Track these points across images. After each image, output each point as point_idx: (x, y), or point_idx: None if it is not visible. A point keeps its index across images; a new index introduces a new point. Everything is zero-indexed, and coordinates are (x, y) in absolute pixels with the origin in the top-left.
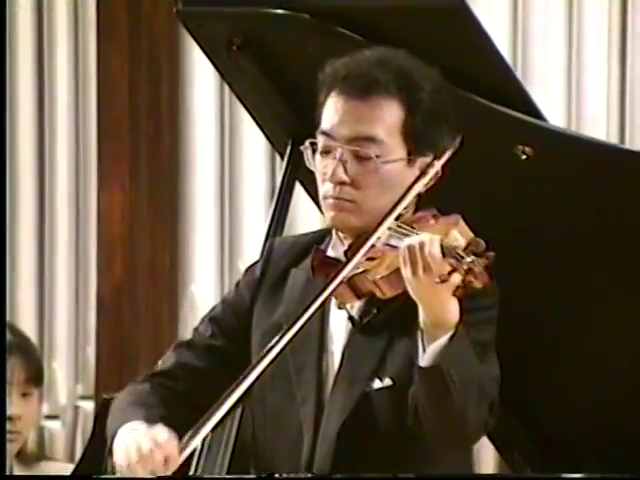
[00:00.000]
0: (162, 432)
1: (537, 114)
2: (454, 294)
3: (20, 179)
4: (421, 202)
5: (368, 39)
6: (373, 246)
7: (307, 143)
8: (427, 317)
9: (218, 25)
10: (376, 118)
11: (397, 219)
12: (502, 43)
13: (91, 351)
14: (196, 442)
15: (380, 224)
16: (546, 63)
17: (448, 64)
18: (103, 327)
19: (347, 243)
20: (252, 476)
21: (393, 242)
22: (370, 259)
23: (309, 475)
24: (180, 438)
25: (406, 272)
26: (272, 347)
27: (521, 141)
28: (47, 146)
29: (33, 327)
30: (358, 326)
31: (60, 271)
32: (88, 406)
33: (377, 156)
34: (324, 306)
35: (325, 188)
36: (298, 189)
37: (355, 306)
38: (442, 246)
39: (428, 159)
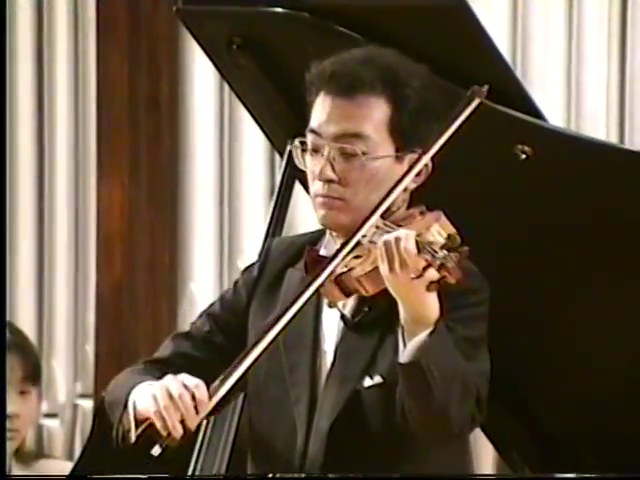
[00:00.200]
0: (190, 378)
1: (537, 113)
2: (427, 289)
3: (20, 176)
4: (417, 200)
5: (367, 38)
6: (360, 244)
7: (296, 142)
8: (406, 313)
9: (218, 24)
10: (362, 115)
11: (387, 216)
12: (502, 42)
13: (90, 349)
14: (225, 389)
15: (365, 222)
16: (545, 61)
17: (447, 63)
18: (102, 325)
19: (339, 242)
20: (251, 476)
21: (377, 239)
22: (357, 257)
23: (304, 475)
24: None
25: (383, 268)
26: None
27: (521, 141)
28: (47, 144)
29: (32, 325)
30: (350, 324)
31: (59, 269)
32: (87, 404)
33: (364, 153)
34: (318, 306)
35: (314, 187)
36: (298, 188)
37: (347, 305)
38: (417, 242)
39: (417, 155)
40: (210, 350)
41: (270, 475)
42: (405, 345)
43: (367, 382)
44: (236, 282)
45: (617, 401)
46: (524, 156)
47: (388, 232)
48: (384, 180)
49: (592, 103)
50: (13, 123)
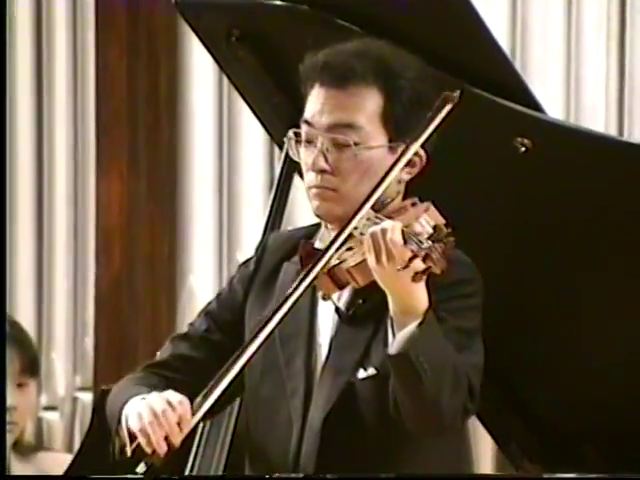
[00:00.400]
0: (174, 394)
1: (536, 106)
2: (413, 280)
3: (19, 170)
4: (416, 192)
5: (367, 30)
6: (352, 236)
7: (290, 133)
8: (395, 305)
9: (217, 16)
10: (355, 105)
11: (381, 208)
12: (501, 35)
13: (90, 342)
14: (207, 405)
15: (355, 214)
16: (545, 55)
17: (447, 55)
18: (101, 318)
19: (333, 234)
20: (250, 476)
21: (366, 231)
22: (349, 249)
23: (302, 475)
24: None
25: (371, 260)
26: (256, 335)
27: (520, 133)
28: (45, 137)
29: (32, 318)
30: (344, 317)
31: (59, 262)
32: (86, 397)
33: (357, 143)
34: (313, 298)
35: (308, 178)
36: (297, 181)
37: (342, 297)
38: (404, 233)
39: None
40: (209, 349)
41: (269, 475)
42: (394, 336)
43: (361, 374)
44: (232, 278)
45: (617, 393)
46: (523, 149)
47: (377, 224)
48: (377, 171)
49: (591, 97)
50: (12, 116)
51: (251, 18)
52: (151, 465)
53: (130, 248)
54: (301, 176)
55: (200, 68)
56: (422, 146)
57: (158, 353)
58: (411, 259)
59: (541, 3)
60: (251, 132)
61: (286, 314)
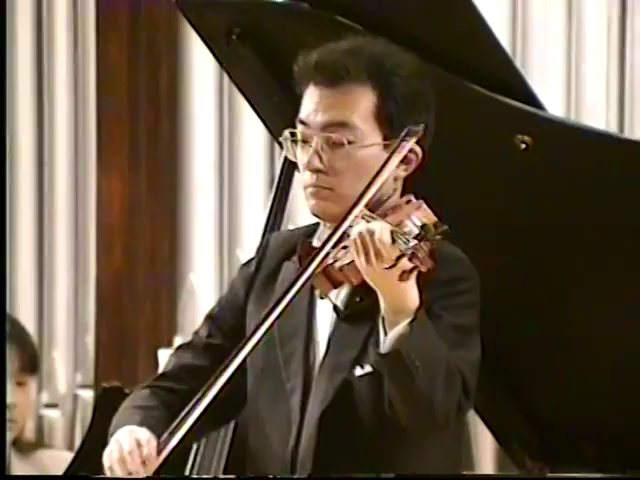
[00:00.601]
0: (143, 433)
1: (536, 103)
2: (400, 279)
3: (19, 167)
4: (415, 190)
5: (367, 28)
6: (347, 234)
7: (286, 133)
8: (385, 304)
9: (217, 14)
10: (348, 104)
11: (377, 206)
12: (502, 32)
13: (90, 340)
14: (174, 442)
15: (349, 212)
16: (545, 51)
17: (447, 52)
18: (102, 316)
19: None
20: (250, 477)
21: None
22: (344, 247)
23: (303, 476)
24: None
25: (360, 260)
26: (248, 339)
27: (520, 130)
28: (46, 135)
29: (33, 316)
30: (342, 315)
31: (59, 260)
32: (87, 395)
33: (351, 142)
34: (312, 297)
35: (304, 177)
36: (297, 179)
37: (340, 295)
38: (392, 232)
39: (407, 143)
40: (212, 355)
41: (270, 475)
42: (386, 335)
43: (358, 371)
44: (233, 280)
45: (617, 391)
46: (524, 146)
47: (369, 223)
48: (373, 169)
49: (592, 94)
50: (13, 114)
51: (252, 16)
52: None
53: (131, 246)
54: None
55: (201, 66)
56: (418, 142)
57: (163, 366)
58: (398, 258)
59: (542, 1)
60: (251, 130)
61: (279, 316)
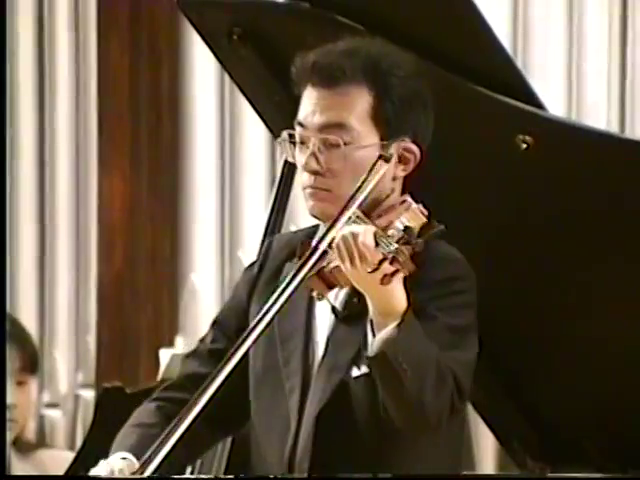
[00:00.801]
0: (119, 463)
1: (537, 103)
2: (381, 283)
3: (21, 168)
4: (416, 190)
5: (367, 28)
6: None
7: (285, 134)
8: (373, 306)
9: (218, 14)
10: (344, 105)
11: (374, 206)
12: (503, 31)
13: (91, 340)
14: (153, 466)
15: (341, 213)
16: (546, 51)
17: (447, 52)
18: (103, 316)
19: None
20: (250, 477)
21: None
22: (325, 252)
23: (305, 475)
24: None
25: (345, 264)
26: (243, 341)
27: (521, 130)
28: (48, 135)
29: (34, 316)
30: (340, 316)
31: (61, 260)
32: (88, 394)
33: (347, 143)
34: (311, 298)
35: (303, 179)
36: (299, 179)
37: (339, 296)
38: (375, 235)
39: (404, 144)
40: (217, 361)
41: (271, 476)
42: (375, 337)
43: (355, 372)
44: (237, 284)
45: (618, 388)
46: (525, 146)
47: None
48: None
49: (593, 94)
50: (14, 114)
51: (253, 16)
52: None
53: (132, 246)
54: None
55: (202, 66)
56: (415, 142)
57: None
58: (381, 262)
59: (543, 0)
60: (253, 130)
61: (272, 318)
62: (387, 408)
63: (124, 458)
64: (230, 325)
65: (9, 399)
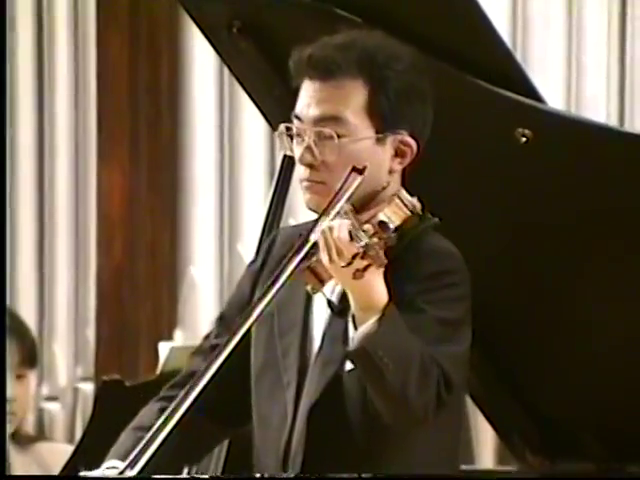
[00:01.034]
0: (108, 472)
1: (536, 97)
2: (353, 277)
3: (20, 162)
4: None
5: (367, 21)
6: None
7: (282, 127)
8: (354, 301)
9: (218, 8)
10: (339, 98)
11: (371, 198)
12: (502, 24)
13: (91, 333)
14: (135, 471)
15: (327, 209)
16: (546, 44)
17: (447, 45)
18: (103, 309)
19: None
20: (251, 477)
21: None
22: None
23: (304, 475)
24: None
25: (324, 258)
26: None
27: (521, 124)
28: (47, 129)
29: (33, 309)
30: (336, 309)
31: (60, 253)
32: (88, 388)
33: (342, 136)
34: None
35: (299, 171)
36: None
37: (335, 290)
38: (350, 229)
39: (400, 137)
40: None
41: (266, 475)
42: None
43: (348, 366)
44: (241, 278)
45: (618, 385)
46: (524, 139)
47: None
48: (365, 162)
49: (592, 87)
50: (13, 108)
51: (252, 9)
52: None
53: (131, 239)
54: None
55: (201, 59)
56: (412, 135)
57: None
58: (354, 256)
59: None
60: (252, 123)
61: (260, 314)
62: (374, 402)
63: (114, 467)
64: (235, 319)
65: (8, 392)
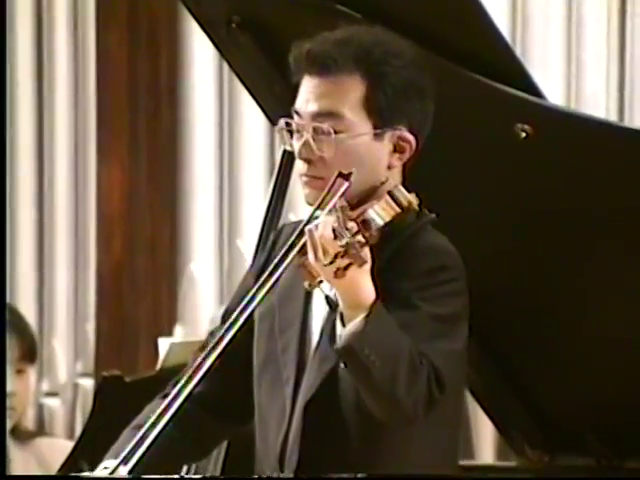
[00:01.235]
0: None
1: (536, 92)
2: (335, 276)
3: (19, 158)
4: (413, 179)
5: (366, 16)
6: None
7: (282, 123)
8: (341, 299)
9: (217, 3)
10: (337, 94)
11: (370, 193)
12: (501, 20)
13: (91, 329)
14: (128, 468)
15: (317, 208)
16: (545, 40)
17: (447, 41)
18: (103, 305)
19: None
20: (250, 477)
21: None
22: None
23: (303, 475)
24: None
25: (310, 257)
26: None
27: (520, 119)
28: (46, 125)
29: (33, 305)
30: (333, 305)
31: (60, 249)
32: (88, 383)
33: (340, 131)
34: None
35: (299, 167)
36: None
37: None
38: (334, 228)
39: (399, 133)
40: (227, 353)
41: (264, 475)
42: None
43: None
44: (246, 273)
45: (618, 380)
46: (524, 135)
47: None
48: (363, 158)
49: (592, 83)
50: (13, 104)
51: (252, 5)
52: None
53: (131, 235)
54: None
55: (201, 55)
56: (411, 131)
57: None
58: (337, 255)
59: None
60: (252, 119)
61: (256, 306)
62: (365, 399)
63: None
64: None
65: (8, 387)
